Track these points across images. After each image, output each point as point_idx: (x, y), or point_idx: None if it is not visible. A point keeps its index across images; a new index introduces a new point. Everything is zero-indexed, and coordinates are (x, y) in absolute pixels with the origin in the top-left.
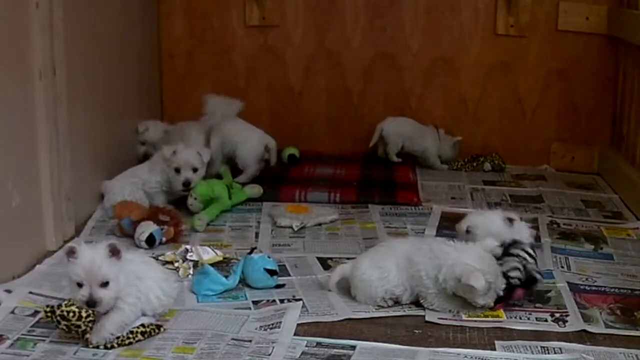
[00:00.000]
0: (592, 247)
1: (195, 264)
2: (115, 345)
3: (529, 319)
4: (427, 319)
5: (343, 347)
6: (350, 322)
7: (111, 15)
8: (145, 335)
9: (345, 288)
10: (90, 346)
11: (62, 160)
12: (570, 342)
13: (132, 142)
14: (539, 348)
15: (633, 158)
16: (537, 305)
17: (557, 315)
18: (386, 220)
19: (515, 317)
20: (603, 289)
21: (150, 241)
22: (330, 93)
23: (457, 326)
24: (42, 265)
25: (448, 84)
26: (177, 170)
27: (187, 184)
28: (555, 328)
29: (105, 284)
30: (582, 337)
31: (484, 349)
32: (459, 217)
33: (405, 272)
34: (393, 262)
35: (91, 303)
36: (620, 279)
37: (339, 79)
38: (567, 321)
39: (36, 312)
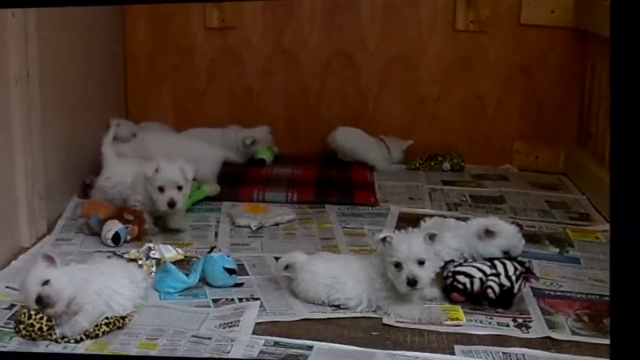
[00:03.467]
0: (557, 250)
1: (158, 262)
2: (84, 337)
3: (490, 323)
4: (384, 321)
5: (300, 347)
6: (307, 323)
7: (80, 22)
8: (110, 326)
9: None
10: (64, 341)
11: (36, 161)
12: (534, 348)
13: (101, 141)
14: (501, 354)
15: (602, 157)
16: (498, 309)
17: (520, 320)
18: (343, 221)
19: (476, 321)
20: (569, 294)
21: (116, 239)
22: (288, 93)
23: (415, 329)
24: (17, 261)
25: (406, 82)
26: (161, 189)
27: (172, 205)
28: (518, 334)
29: (45, 282)
30: (546, 344)
31: (443, 353)
32: (417, 217)
33: (364, 284)
34: (349, 276)
35: (38, 300)
36: (587, 284)
37: (296, 79)
38: (530, 327)
39: (12, 306)
